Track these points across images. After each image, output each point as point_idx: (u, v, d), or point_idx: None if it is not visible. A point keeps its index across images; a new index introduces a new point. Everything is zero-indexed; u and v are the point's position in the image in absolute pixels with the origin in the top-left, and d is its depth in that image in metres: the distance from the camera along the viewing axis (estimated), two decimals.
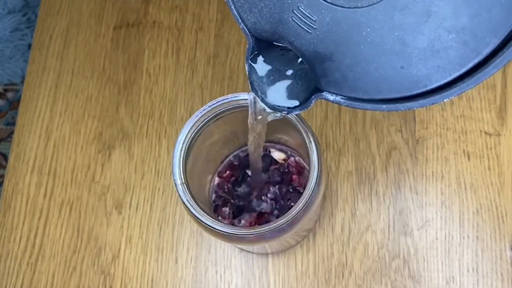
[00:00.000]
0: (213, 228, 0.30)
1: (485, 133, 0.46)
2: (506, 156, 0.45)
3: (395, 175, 0.45)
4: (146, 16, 0.53)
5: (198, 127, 0.33)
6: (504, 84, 0.47)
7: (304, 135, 0.32)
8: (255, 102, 0.29)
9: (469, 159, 0.45)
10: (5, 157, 0.83)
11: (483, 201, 0.44)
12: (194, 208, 0.31)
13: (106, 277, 0.44)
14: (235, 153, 0.43)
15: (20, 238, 0.46)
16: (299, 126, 0.32)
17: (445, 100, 0.22)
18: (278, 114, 0.28)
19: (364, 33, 0.23)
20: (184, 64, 0.51)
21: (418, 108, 0.23)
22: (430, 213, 0.44)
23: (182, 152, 0.32)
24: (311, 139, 0.31)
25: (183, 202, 0.31)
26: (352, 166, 0.46)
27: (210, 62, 0.51)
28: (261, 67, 0.27)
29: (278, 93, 0.27)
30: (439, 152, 0.46)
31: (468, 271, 0.42)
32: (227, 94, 0.33)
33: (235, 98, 0.32)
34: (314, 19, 0.24)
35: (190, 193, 0.31)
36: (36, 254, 0.45)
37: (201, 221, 0.31)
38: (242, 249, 0.44)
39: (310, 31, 0.24)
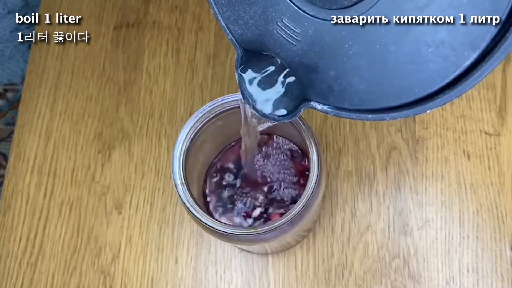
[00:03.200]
0: (213, 228, 0.30)
1: (485, 133, 0.46)
2: (506, 156, 0.45)
3: (395, 175, 0.45)
4: (146, 16, 0.53)
5: (198, 127, 0.33)
6: (504, 84, 0.47)
7: (304, 135, 0.32)
8: (245, 110, 0.29)
9: (469, 159, 0.45)
10: (5, 157, 0.83)
11: (483, 201, 0.44)
12: (194, 208, 0.31)
13: (106, 277, 0.44)
14: (235, 152, 0.43)
15: (20, 238, 0.46)
16: (299, 126, 0.32)
17: (428, 111, 0.23)
18: (269, 123, 0.29)
19: (347, 45, 0.23)
20: (184, 64, 0.51)
21: (403, 118, 0.23)
22: (430, 213, 0.44)
23: (182, 152, 0.32)
24: (311, 139, 0.31)
25: (183, 202, 0.31)
26: (352, 166, 0.46)
27: (210, 62, 0.51)
28: (251, 76, 0.27)
29: (268, 102, 0.27)
30: (439, 152, 0.46)
31: (468, 271, 0.42)
32: (227, 94, 0.33)
33: (235, 98, 0.32)
34: (298, 31, 0.24)
35: (190, 193, 0.31)
36: (36, 254, 0.45)
37: (201, 221, 0.31)
38: (242, 249, 0.44)
39: (294, 43, 0.25)
